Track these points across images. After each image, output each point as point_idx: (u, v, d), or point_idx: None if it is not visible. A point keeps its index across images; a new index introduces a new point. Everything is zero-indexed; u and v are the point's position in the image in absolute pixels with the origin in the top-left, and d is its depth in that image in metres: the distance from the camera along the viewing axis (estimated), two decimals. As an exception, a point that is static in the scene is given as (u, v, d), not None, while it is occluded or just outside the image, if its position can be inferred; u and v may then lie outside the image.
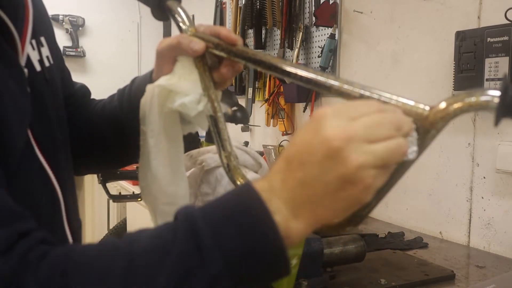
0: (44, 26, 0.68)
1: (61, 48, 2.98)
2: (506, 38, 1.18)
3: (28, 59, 0.59)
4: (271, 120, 2.24)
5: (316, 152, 0.44)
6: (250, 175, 0.87)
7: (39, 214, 0.57)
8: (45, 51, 0.65)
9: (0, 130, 0.49)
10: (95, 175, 1.49)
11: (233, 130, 1.80)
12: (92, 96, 0.87)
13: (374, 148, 0.44)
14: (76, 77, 0.84)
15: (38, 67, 0.62)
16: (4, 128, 0.50)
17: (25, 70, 0.57)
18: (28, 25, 0.60)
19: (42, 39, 0.65)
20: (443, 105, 0.48)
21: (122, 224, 2.41)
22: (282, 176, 0.47)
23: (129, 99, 0.76)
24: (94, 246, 0.48)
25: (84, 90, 0.85)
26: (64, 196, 0.63)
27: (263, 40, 2.30)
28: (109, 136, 0.79)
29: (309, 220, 0.46)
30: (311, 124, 0.46)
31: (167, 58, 0.67)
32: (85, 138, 0.79)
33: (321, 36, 1.96)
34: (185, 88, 0.64)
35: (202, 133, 1.97)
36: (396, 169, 0.48)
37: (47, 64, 0.65)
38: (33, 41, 0.62)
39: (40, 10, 0.68)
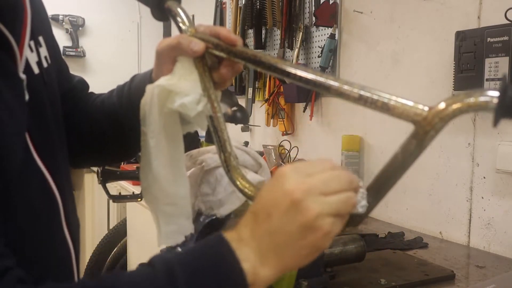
0: (42, 24, 0.67)
1: (61, 49, 2.99)
2: (506, 38, 1.18)
3: (27, 63, 0.59)
4: (271, 120, 2.24)
5: (280, 204, 0.50)
6: (250, 175, 0.87)
7: (38, 218, 0.57)
8: (43, 51, 0.65)
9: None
10: (95, 175, 1.49)
11: (233, 130, 1.80)
12: None
13: (329, 199, 0.50)
14: (76, 77, 0.84)
15: (36, 70, 0.61)
16: (4, 139, 0.50)
17: (23, 76, 0.56)
18: (27, 28, 0.59)
19: (40, 38, 0.64)
20: (442, 105, 0.48)
21: (122, 224, 2.41)
22: (250, 227, 0.52)
23: (128, 97, 0.76)
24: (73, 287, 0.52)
25: (82, 84, 0.85)
26: (63, 199, 0.63)
27: (263, 40, 2.30)
28: (109, 132, 0.79)
29: (276, 266, 0.51)
30: (274, 181, 0.52)
31: (166, 59, 0.67)
32: (84, 133, 0.78)
33: (321, 36, 1.96)
34: (185, 88, 0.64)
35: (202, 133, 1.98)
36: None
37: (45, 65, 0.64)
38: (32, 42, 0.61)
39: (38, 7, 0.67)
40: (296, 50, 2.00)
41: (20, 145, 0.54)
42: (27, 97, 0.57)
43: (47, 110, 0.63)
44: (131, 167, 2.35)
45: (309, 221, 0.48)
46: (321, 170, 0.51)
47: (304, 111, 2.03)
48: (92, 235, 3.06)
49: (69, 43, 3.46)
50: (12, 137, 0.52)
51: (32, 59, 0.61)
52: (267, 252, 0.50)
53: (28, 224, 0.56)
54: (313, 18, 1.93)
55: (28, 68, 0.59)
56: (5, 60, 0.54)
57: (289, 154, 2.06)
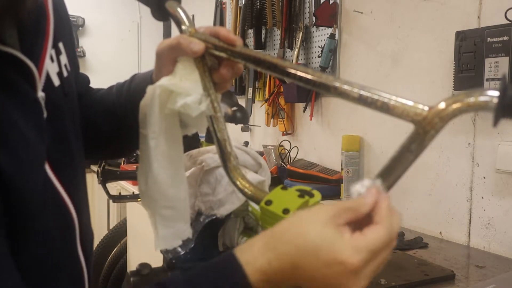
0: (62, 27, 0.63)
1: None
2: (506, 38, 1.18)
3: (47, 76, 0.56)
4: (271, 120, 2.24)
5: (328, 272, 0.47)
6: (250, 175, 0.87)
7: (53, 241, 0.56)
8: (64, 58, 0.62)
9: (11, 182, 0.48)
10: (95, 175, 1.49)
11: (233, 130, 1.80)
12: None
13: (374, 268, 0.48)
14: (76, 77, 0.84)
15: (57, 82, 0.59)
16: (16, 179, 0.48)
17: (42, 95, 0.54)
18: (48, 41, 0.57)
19: (60, 44, 0.62)
20: (442, 105, 0.48)
21: (122, 224, 2.41)
22: (281, 276, 0.48)
23: (127, 96, 0.75)
24: None
25: (85, 81, 0.84)
26: (79, 217, 0.62)
27: (263, 40, 2.30)
28: (105, 129, 0.78)
29: None
30: (322, 238, 0.47)
31: (167, 59, 0.67)
32: (81, 126, 0.77)
33: (321, 36, 1.96)
34: (186, 88, 0.64)
35: (202, 133, 1.98)
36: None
37: (65, 74, 0.62)
38: (52, 51, 0.59)
39: (60, 10, 0.64)
40: (296, 50, 2.00)
41: (39, 174, 0.53)
42: (45, 114, 0.55)
43: (67, 123, 0.61)
44: (131, 167, 2.35)
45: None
46: (384, 259, 0.48)
47: (304, 111, 2.03)
48: (92, 235, 3.06)
49: (69, 43, 3.46)
50: (28, 168, 0.50)
51: (53, 70, 0.58)
52: None
53: (43, 248, 0.55)
54: (313, 18, 1.93)
55: (48, 81, 0.57)
56: (23, 86, 0.52)
57: (289, 154, 2.06)
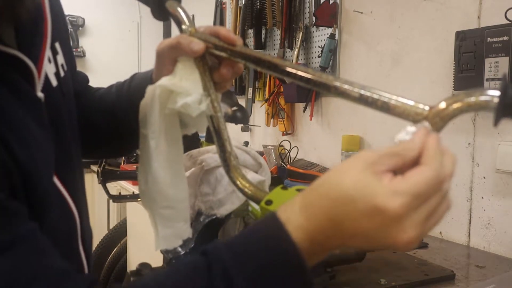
0: (59, 28, 0.64)
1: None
2: (506, 38, 1.18)
3: (46, 77, 0.57)
4: (271, 120, 2.24)
5: (370, 221, 0.42)
6: (250, 175, 0.87)
7: (56, 240, 0.57)
8: (60, 58, 0.62)
9: (31, 178, 0.49)
10: (95, 175, 1.49)
11: (233, 130, 1.80)
12: None
13: (424, 217, 0.43)
14: (76, 77, 0.83)
15: (54, 82, 0.59)
16: (35, 175, 0.49)
17: (41, 95, 0.54)
18: (47, 42, 0.57)
19: (57, 44, 0.62)
20: (442, 105, 0.48)
21: (122, 224, 2.41)
22: (327, 236, 0.45)
23: (127, 96, 0.75)
24: None
25: (84, 79, 0.84)
26: (80, 216, 0.62)
27: (263, 40, 2.30)
28: (104, 128, 0.78)
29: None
30: (361, 188, 0.42)
31: (167, 59, 0.67)
32: (80, 127, 0.77)
33: (321, 36, 1.96)
34: (186, 88, 0.64)
35: (202, 132, 1.97)
36: None
37: (62, 74, 0.62)
38: (50, 52, 0.59)
39: (56, 10, 0.64)
40: (296, 50, 2.00)
41: (50, 171, 0.54)
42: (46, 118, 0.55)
43: (65, 123, 0.61)
44: (131, 167, 2.35)
45: (399, 242, 0.42)
46: (435, 209, 0.44)
47: (304, 111, 2.03)
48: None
49: (69, 43, 3.46)
50: (41, 165, 0.51)
51: (50, 70, 0.59)
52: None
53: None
54: (313, 18, 1.93)
55: (47, 82, 0.57)
56: (25, 88, 0.52)
57: (289, 154, 2.06)
